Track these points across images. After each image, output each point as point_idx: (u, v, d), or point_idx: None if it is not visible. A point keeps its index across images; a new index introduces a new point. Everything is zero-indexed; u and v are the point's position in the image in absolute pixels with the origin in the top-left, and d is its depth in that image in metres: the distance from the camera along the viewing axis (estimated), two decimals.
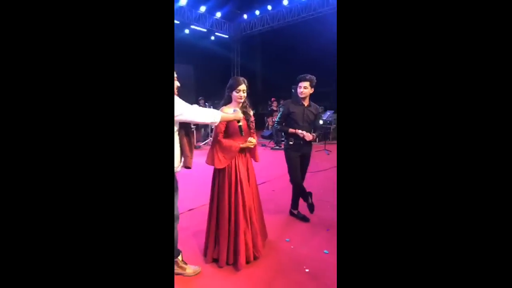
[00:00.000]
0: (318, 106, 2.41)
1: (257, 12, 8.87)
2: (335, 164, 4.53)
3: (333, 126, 7.43)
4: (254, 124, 1.86)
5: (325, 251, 1.97)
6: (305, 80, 2.18)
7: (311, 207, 2.38)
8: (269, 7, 8.41)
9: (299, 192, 2.41)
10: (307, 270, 1.75)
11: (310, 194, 2.40)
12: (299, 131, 2.20)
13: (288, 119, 2.30)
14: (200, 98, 6.91)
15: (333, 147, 6.07)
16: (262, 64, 10.94)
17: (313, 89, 2.24)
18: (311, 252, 1.96)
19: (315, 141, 2.69)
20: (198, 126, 6.83)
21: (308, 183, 3.15)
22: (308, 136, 2.20)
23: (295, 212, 2.47)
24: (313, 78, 2.22)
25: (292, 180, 2.36)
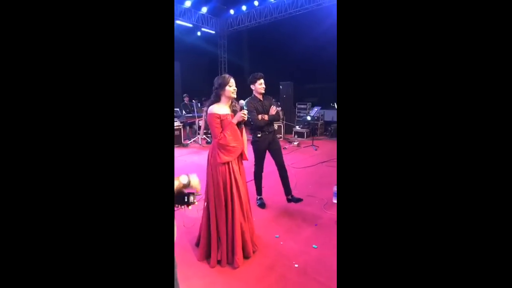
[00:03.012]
0: (270, 97, 2.70)
1: (244, 8, 8.79)
2: (323, 160, 4.59)
3: (320, 122, 7.53)
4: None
5: (313, 245, 2.00)
6: (262, 77, 2.46)
7: (262, 205, 2.70)
8: (256, 3, 8.35)
9: (258, 184, 2.71)
10: (296, 265, 1.77)
11: (260, 198, 2.73)
12: (273, 110, 2.48)
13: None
14: (184, 95, 6.73)
15: (320, 143, 6.15)
16: (250, 60, 10.87)
17: None
18: (300, 247, 1.98)
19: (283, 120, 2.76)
20: (185, 124, 6.72)
21: (296, 179, 3.19)
22: (272, 109, 2.49)
23: (258, 197, 2.72)
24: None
25: (256, 170, 2.65)
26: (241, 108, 1.79)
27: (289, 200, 2.70)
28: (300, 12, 7.75)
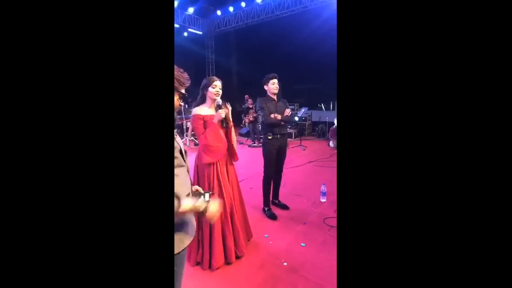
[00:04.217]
0: (285, 100, 2.65)
1: (231, 9, 8.78)
2: (311, 160, 4.67)
3: (308, 122, 7.63)
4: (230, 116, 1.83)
5: (302, 244, 2.03)
6: (276, 77, 2.44)
7: (281, 206, 2.68)
8: (243, 4, 8.37)
9: (266, 192, 2.55)
10: (285, 264, 1.79)
11: (271, 201, 2.61)
12: (287, 111, 2.47)
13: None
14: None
15: (308, 143, 6.24)
16: (237, 61, 10.87)
17: None
18: (289, 246, 2.01)
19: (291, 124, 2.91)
20: None
21: (285, 179, 3.22)
22: (287, 111, 2.47)
23: (266, 209, 2.55)
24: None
25: (266, 174, 2.50)
26: (220, 107, 1.74)
27: (274, 204, 2.68)
28: (286, 14, 7.83)
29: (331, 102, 7.97)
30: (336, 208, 2.65)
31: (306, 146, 5.85)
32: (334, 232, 2.18)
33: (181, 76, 0.94)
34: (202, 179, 1.74)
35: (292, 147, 5.84)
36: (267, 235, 2.16)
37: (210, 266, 1.73)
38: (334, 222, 2.34)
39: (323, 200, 2.88)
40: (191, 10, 8.87)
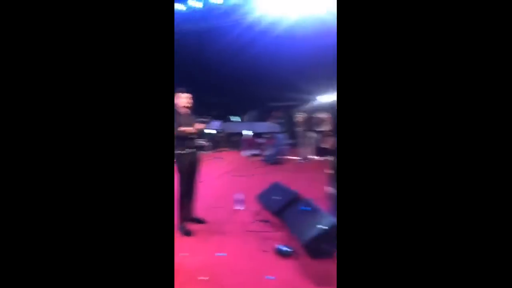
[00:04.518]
0: (196, 115, 2.71)
1: None
2: (226, 170, 4.75)
3: (222, 134, 7.78)
4: None
5: (220, 254, 2.01)
6: (184, 91, 2.47)
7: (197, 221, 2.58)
8: None
9: (180, 207, 2.45)
10: (205, 279, 1.73)
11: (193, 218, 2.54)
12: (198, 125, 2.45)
13: None
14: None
15: (223, 154, 6.34)
16: None
17: None
18: (209, 259, 1.96)
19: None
20: None
21: (200, 192, 3.16)
22: (198, 125, 2.45)
23: (181, 226, 2.42)
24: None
25: (179, 190, 2.40)
26: None
27: (189, 220, 2.53)
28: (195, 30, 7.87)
29: (242, 115, 8.42)
30: (255, 214, 2.78)
31: (222, 158, 5.92)
32: (253, 237, 2.27)
33: None
34: None
35: (206, 160, 5.80)
36: (184, 254, 2.04)
37: None
38: (253, 227, 2.43)
39: (239, 208, 2.96)
40: None
